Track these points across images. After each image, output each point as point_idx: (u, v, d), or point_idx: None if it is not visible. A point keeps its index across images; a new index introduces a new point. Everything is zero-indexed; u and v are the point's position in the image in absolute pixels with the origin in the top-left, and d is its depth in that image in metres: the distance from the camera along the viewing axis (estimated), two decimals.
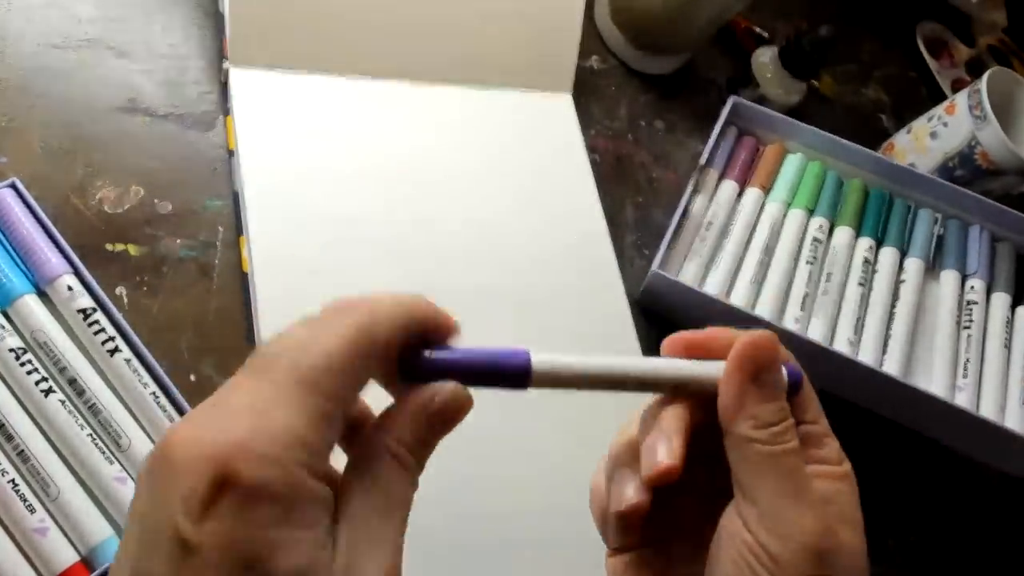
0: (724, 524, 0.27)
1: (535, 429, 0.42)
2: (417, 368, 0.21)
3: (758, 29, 0.66)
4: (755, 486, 0.26)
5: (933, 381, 0.49)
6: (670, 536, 0.29)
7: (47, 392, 0.34)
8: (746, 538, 0.26)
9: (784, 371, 0.27)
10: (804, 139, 0.56)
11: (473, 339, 0.43)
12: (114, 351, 0.35)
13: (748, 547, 0.26)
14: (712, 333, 0.27)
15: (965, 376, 0.50)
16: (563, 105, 0.53)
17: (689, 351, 0.28)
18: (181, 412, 0.36)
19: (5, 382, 0.34)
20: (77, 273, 0.36)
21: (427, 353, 0.21)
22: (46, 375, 0.34)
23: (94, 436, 0.34)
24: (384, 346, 0.21)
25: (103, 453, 0.34)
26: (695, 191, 0.52)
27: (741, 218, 0.52)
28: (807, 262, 0.51)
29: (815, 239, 0.52)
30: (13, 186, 0.37)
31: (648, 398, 0.27)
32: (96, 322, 0.36)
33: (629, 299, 0.48)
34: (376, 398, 0.23)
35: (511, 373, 0.22)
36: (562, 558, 0.39)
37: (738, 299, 0.49)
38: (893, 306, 0.52)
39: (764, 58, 0.60)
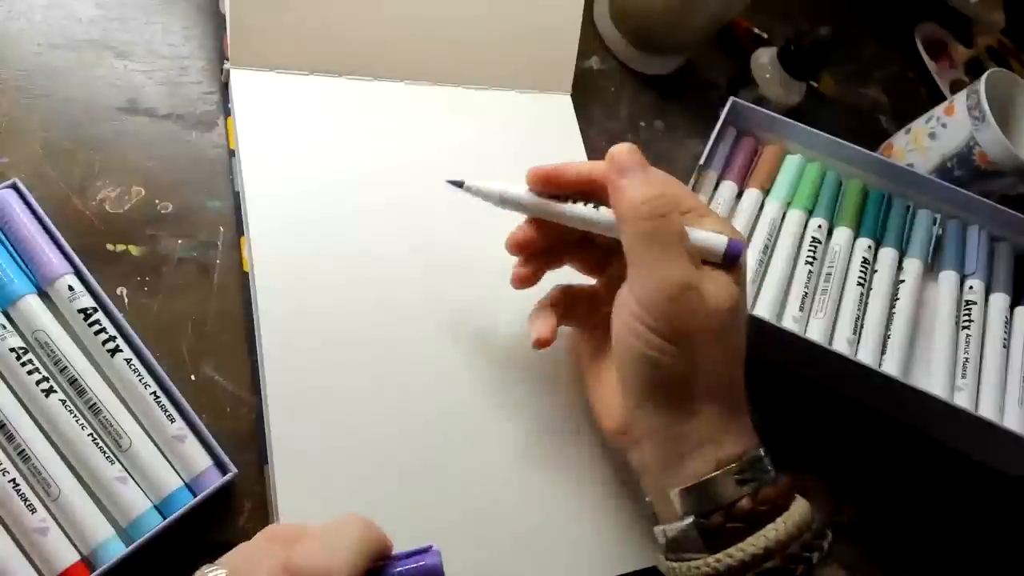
0: (616, 297, 0.36)
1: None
2: None
3: (757, 30, 0.66)
4: (637, 254, 0.34)
5: (932, 381, 0.49)
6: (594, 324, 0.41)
7: (48, 392, 0.34)
8: (628, 300, 0.35)
9: (723, 240, 0.35)
10: (803, 140, 0.56)
11: (471, 337, 0.43)
12: (115, 351, 0.36)
13: (628, 307, 0.35)
14: (562, 167, 0.38)
15: (964, 376, 0.50)
16: (563, 105, 0.53)
17: (546, 184, 0.38)
18: (181, 412, 0.36)
19: (6, 382, 0.34)
20: (78, 273, 0.37)
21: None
22: (47, 375, 0.34)
23: (95, 436, 0.34)
24: (376, 556, 0.29)
25: (104, 453, 0.34)
26: (695, 191, 0.52)
27: (740, 218, 0.52)
28: (806, 262, 0.51)
29: (814, 239, 0.53)
30: (14, 186, 0.37)
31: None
32: (97, 322, 0.36)
33: None
34: None
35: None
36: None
37: None
38: (892, 306, 0.52)
39: (763, 59, 0.60)
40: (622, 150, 0.36)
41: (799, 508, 0.34)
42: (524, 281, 0.40)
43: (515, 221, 0.40)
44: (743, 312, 0.37)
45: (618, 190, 0.36)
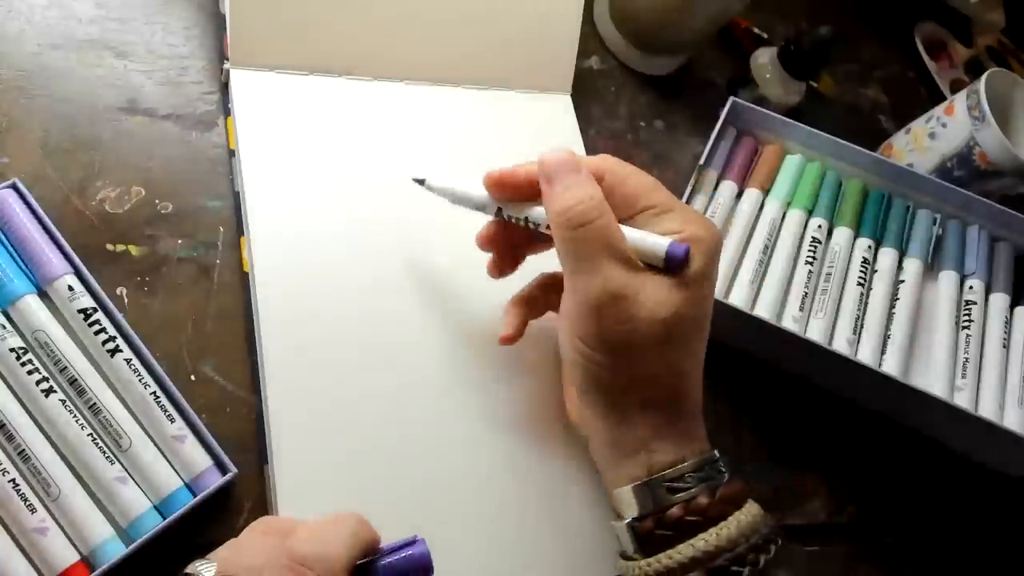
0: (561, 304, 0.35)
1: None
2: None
3: (757, 29, 0.66)
4: (563, 264, 0.34)
5: (932, 381, 0.49)
6: None
7: (48, 392, 0.34)
8: (563, 308, 0.35)
9: (664, 243, 0.33)
10: (803, 140, 0.56)
11: (471, 337, 0.43)
12: (114, 351, 0.36)
13: (562, 314, 0.35)
14: (513, 169, 0.36)
15: (964, 376, 0.50)
16: (562, 105, 0.53)
17: (500, 187, 0.37)
18: (181, 412, 0.36)
19: (6, 382, 0.34)
20: (78, 273, 0.37)
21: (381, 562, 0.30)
22: (47, 375, 0.34)
23: (94, 436, 0.34)
24: (367, 550, 0.30)
25: (103, 453, 0.34)
26: (694, 191, 0.52)
27: (740, 219, 0.52)
28: (806, 262, 0.51)
29: (814, 239, 0.53)
30: (14, 187, 0.37)
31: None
32: (97, 322, 0.36)
33: None
34: None
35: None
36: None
37: (737, 299, 0.49)
38: (892, 306, 0.52)
39: (763, 59, 0.60)
40: (549, 155, 0.35)
41: (739, 520, 0.33)
42: (500, 269, 0.40)
43: None
44: (692, 320, 0.34)
45: (545, 199, 0.35)
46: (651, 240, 0.34)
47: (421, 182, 0.40)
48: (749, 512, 0.34)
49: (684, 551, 0.32)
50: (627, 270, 0.33)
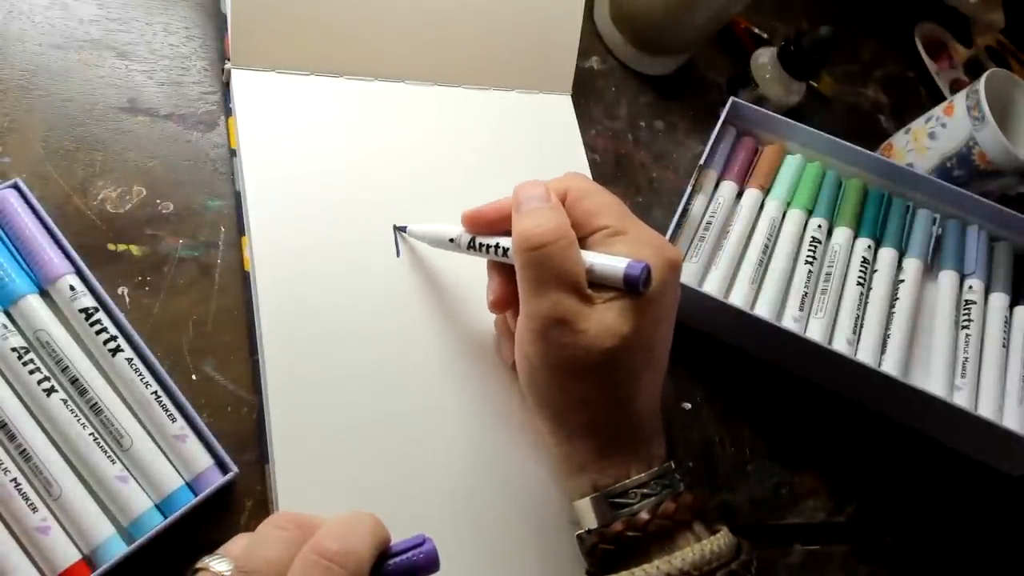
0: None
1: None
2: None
3: (757, 30, 0.66)
4: (519, 285, 0.35)
5: (931, 380, 0.49)
6: None
7: (49, 391, 0.34)
8: (517, 324, 0.36)
9: (621, 265, 0.33)
10: (803, 139, 0.56)
11: (473, 335, 0.43)
12: (116, 351, 0.36)
13: (516, 332, 0.36)
14: (484, 207, 0.38)
15: (963, 375, 0.50)
16: (562, 106, 0.53)
17: (474, 223, 0.38)
18: (183, 411, 0.36)
19: (8, 381, 0.34)
20: (79, 273, 0.37)
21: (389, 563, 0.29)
22: (48, 374, 0.35)
23: (96, 435, 0.34)
24: (382, 549, 0.29)
25: (105, 452, 0.34)
26: (695, 191, 0.52)
27: (740, 218, 0.52)
28: (806, 262, 0.51)
29: (814, 239, 0.53)
30: (16, 186, 0.37)
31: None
32: (98, 322, 0.36)
33: None
34: None
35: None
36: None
37: (737, 299, 0.49)
38: (892, 306, 0.52)
39: (763, 58, 0.60)
40: (522, 185, 0.36)
41: (693, 551, 0.33)
42: (502, 306, 0.39)
43: None
44: (638, 348, 0.34)
45: (512, 224, 0.36)
46: (609, 262, 0.34)
47: (403, 229, 0.43)
48: (714, 543, 0.33)
49: (633, 573, 0.32)
50: (576, 297, 0.33)
